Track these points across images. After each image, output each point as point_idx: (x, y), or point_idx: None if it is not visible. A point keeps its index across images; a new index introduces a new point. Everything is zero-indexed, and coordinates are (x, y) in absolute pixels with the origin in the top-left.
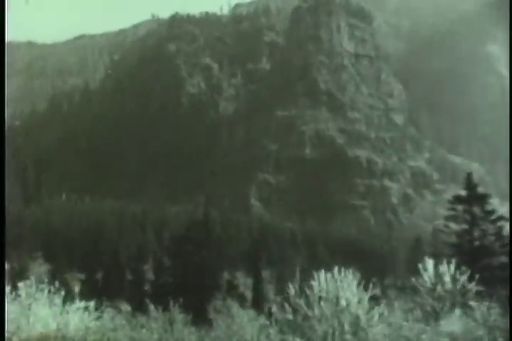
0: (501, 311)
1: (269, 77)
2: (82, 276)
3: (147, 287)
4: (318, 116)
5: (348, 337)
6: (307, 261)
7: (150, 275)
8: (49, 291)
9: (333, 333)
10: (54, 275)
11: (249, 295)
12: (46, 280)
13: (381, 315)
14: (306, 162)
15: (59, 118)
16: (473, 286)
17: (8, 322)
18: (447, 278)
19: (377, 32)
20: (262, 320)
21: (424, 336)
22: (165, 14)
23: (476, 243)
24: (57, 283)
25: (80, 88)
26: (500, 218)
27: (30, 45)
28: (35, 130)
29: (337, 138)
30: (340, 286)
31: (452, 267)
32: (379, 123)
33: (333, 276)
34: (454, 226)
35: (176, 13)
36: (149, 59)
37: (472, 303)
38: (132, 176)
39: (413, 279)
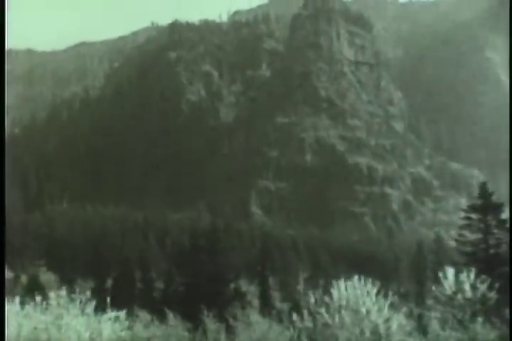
0: None
1: (269, 84)
2: (92, 284)
3: (158, 295)
4: (319, 123)
5: None
6: (310, 268)
7: (159, 284)
8: (80, 301)
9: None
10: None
11: (256, 302)
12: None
13: (400, 323)
14: (306, 169)
15: (59, 126)
16: (493, 295)
17: (39, 332)
18: (467, 287)
19: (377, 39)
20: (281, 327)
21: None
22: (164, 21)
23: (491, 251)
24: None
25: (79, 95)
26: None
27: (29, 52)
28: (35, 137)
29: (337, 145)
30: (360, 294)
31: (472, 275)
32: (379, 130)
33: (352, 284)
34: (469, 235)
35: (176, 21)
36: (149, 66)
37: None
38: (133, 183)
39: (433, 287)
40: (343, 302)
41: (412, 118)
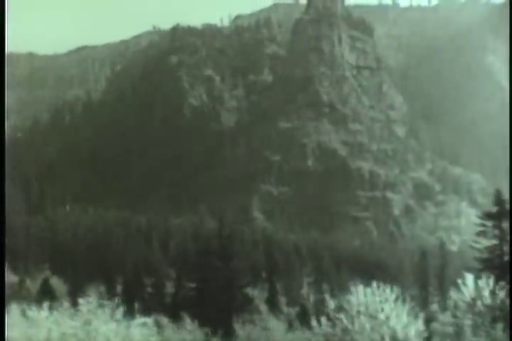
0: None
1: (271, 89)
2: (102, 288)
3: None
4: (320, 127)
5: None
6: (313, 272)
7: (170, 289)
8: (110, 307)
9: None
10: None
11: (264, 308)
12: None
13: (418, 329)
14: (308, 174)
15: (61, 130)
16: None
17: (68, 336)
18: (486, 293)
19: (378, 44)
20: (300, 332)
21: None
22: (165, 25)
23: (506, 258)
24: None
25: (81, 99)
26: None
27: (31, 56)
28: (37, 141)
29: (339, 150)
30: (379, 301)
31: (491, 282)
32: (381, 135)
33: (371, 291)
34: (484, 241)
35: (178, 25)
36: (151, 70)
37: None
38: (135, 187)
39: (452, 294)
40: (362, 308)
41: (413, 122)
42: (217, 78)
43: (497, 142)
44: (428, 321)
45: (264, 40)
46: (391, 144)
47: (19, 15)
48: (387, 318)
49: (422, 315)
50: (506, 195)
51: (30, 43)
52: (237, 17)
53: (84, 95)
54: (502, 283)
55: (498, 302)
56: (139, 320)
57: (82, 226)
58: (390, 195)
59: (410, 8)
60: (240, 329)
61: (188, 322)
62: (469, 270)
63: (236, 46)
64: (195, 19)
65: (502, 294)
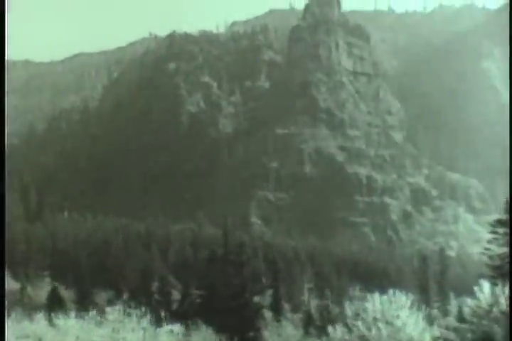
0: None
1: (268, 95)
2: (111, 295)
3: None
4: (318, 133)
5: None
6: (313, 278)
7: (176, 296)
8: (136, 315)
9: None
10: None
11: (268, 314)
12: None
13: (433, 335)
14: (305, 179)
15: (58, 137)
16: None
17: None
18: (502, 300)
19: (374, 50)
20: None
21: None
22: (161, 32)
23: None
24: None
25: (78, 106)
26: None
27: (27, 63)
28: (34, 148)
29: (337, 156)
30: (395, 308)
31: (507, 289)
32: (378, 140)
33: (387, 298)
34: (495, 248)
35: (174, 32)
36: (149, 77)
37: None
38: (132, 194)
39: (469, 300)
40: (378, 315)
41: (410, 128)
42: (215, 85)
43: (494, 147)
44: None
45: (260, 47)
46: (388, 149)
47: (16, 23)
48: (404, 325)
49: (437, 322)
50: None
51: (27, 50)
52: (233, 23)
53: (81, 102)
54: None
55: None
56: (166, 327)
57: (82, 234)
58: (387, 200)
59: (406, 14)
60: (257, 336)
61: (204, 330)
62: (481, 276)
63: (233, 53)
64: (191, 26)
65: None
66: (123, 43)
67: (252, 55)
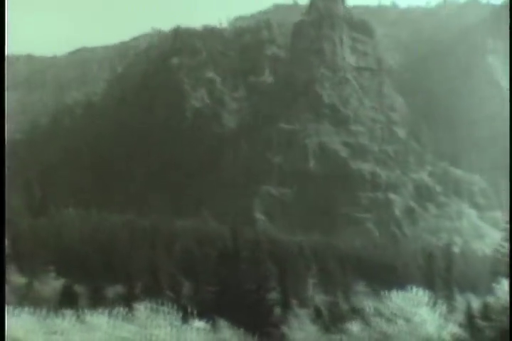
0: None
1: (272, 91)
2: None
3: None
4: (322, 129)
5: None
6: (318, 274)
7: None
8: (164, 312)
9: None
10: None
11: (277, 310)
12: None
13: (451, 332)
14: (309, 175)
15: (61, 132)
16: None
17: (123, 340)
18: None
19: (378, 45)
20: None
21: None
22: (164, 26)
23: None
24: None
25: (81, 101)
26: None
27: (29, 58)
28: (37, 144)
29: (340, 152)
30: (414, 304)
31: None
32: (382, 136)
33: (406, 295)
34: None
35: (178, 27)
36: (152, 73)
37: None
38: (136, 190)
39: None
40: (397, 312)
41: (413, 124)
42: (219, 80)
43: (497, 143)
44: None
45: (264, 42)
46: (392, 145)
47: (18, 17)
48: (422, 321)
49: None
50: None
51: (29, 45)
52: (237, 18)
53: (84, 97)
54: None
55: None
56: (197, 324)
57: (88, 229)
58: (391, 196)
59: (410, 9)
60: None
61: (223, 325)
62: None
63: (237, 48)
64: (194, 20)
65: None
66: (126, 38)
67: (256, 50)
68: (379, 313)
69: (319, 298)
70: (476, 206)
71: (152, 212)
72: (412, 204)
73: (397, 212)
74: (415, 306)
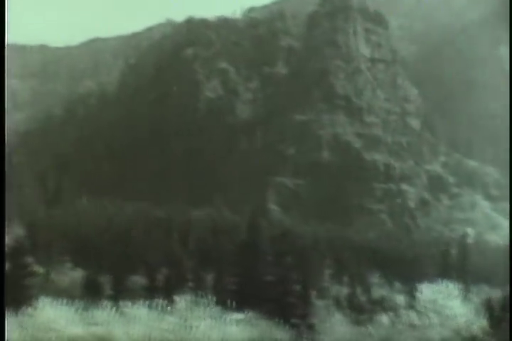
0: None
1: (286, 82)
2: (144, 281)
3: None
4: (336, 120)
5: None
6: (333, 265)
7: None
8: (204, 304)
9: None
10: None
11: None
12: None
13: (481, 325)
14: (323, 166)
15: (75, 122)
16: None
17: (164, 332)
18: None
19: (392, 36)
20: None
21: None
22: (177, 17)
23: None
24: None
25: (95, 92)
26: None
27: (43, 48)
28: (52, 133)
29: (354, 143)
30: (445, 297)
31: None
32: (396, 127)
33: (437, 288)
34: None
35: (191, 17)
36: (166, 63)
37: None
38: (150, 180)
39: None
40: (429, 305)
41: (427, 115)
42: (232, 70)
43: (509, 134)
44: None
45: (278, 33)
46: (406, 137)
47: (31, 7)
48: (453, 315)
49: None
50: None
51: (43, 35)
52: (250, 9)
53: (98, 88)
54: None
55: None
56: (236, 315)
57: (103, 218)
58: (405, 187)
59: None
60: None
61: (251, 316)
62: None
63: (250, 39)
64: (207, 11)
65: None
66: (139, 28)
67: (270, 41)
68: (409, 305)
69: (335, 289)
70: (489, 197)
71: (167, 201)
72: (426, 195)
73: (411, 203)
74: (447, 299)
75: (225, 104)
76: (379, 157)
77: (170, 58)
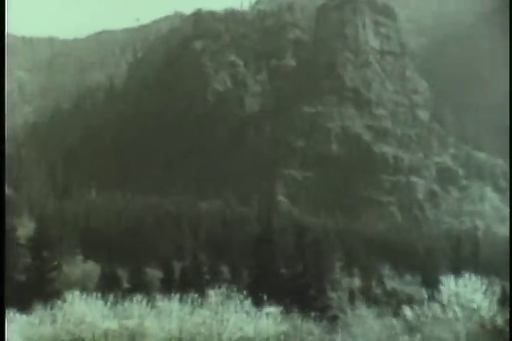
0: None
1: (295, 74)
2: (161, 274)
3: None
4: (345, 112)
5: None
6: (344, 257)
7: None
8: (238, 298)
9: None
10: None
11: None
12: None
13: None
14: (332, 158)
15: (83, 115)
16: None
17: (200, 326)
18: None
19: (401, 28)
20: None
21: None
22: (184, 9)
23: None
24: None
25: (103, 84)
26: None
27: (51, 40)
28: (60, 126)
29: (363, 135)
30: (470, 291)
31: None
32: (404, 119)
33: (462, 281)
34: None
35: (199, 10)
36: (174, 56)
37: None
38: (159, 173)
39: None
40: (453, 298)
41: (436, 107)
42: (241, 63)
43: None
44: None
45: (287, 25)
46: (415, 129)
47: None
48: (478, 308)
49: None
50: None
51: (51, 28)
52: (258, 1)
53: (106, 81)
54: None
55: None
56: (268, 309)
57: (113, 211)
58: (414, 179)
59: None
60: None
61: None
62: None
63: (259, 31)
64: (214, 2)
65: None
66: (147, 21)
67: (278, 33)
68: (433, 299)
69: (346, 281)
70: (498, 189)
71: (175, 194)
72: (435, 187)
73: (420, 195)
74: (472, 293)
75: (234, 96)
76: (388, 149)
77: (178, 51)
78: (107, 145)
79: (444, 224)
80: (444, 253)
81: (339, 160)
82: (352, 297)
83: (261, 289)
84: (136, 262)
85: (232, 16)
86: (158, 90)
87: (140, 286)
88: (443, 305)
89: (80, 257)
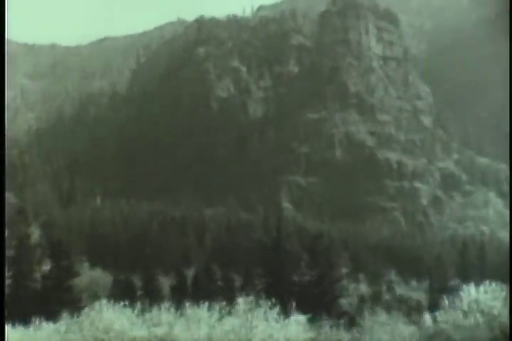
0: None
1: (298, 80)
2: (173, 281)
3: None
4: (348, 118)
5: None
6: (350, 263)
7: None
8: (267, 306)
9: None
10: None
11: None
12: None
13: None
14: (336, 164)
15: (87, 122)
16: None
17: (225, 333)
18: None
19: (404, 34)
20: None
21: None
22: (186, 16)
23: None
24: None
25: (106, 91)
26: None
27: (53, 47)
28: (63, 133)
29: (367, 141)
30: (490, 298)
31: None
32: (408, 125)
33: (484, 288)
34: None
35: (202, 16)
36: (178, 62)
37: None
38: (162, 180)
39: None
40: (474, 306)
41: (439, 113)
42: (244, 69)
43: None
44: None
45: (289, 31)
46: (418, 134)
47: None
48: (499, 314)
49: None
50: None
51: (53, 34)
52: (260, 8)
53: (109, 87)
54: None
55: None
56: (296, 317)
57: (118, 218)
58: (417, 185)
59: None
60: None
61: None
62: None
63: (262, 37)
64: (216, 9)
65: None
66: (149, 27)
67: (281, 39)
68: (453, 306)
69: (353, 288)
70: (502, 194)
71: (180, 201)
72: (439, 193)
73: (424, 200)
74: (492, 300)
75: (237, 102)
76: (391, 155)
77: (181, 58)
78: (110, 152)
79: (449, 229)
80: (451, 259)
81: (343, 166)
82: (362, 303)
83: (280, 296)
84: (145, 269)
85: (234, 23)
86: (161, 97)
87: (153, 293)
88: (464, 312)
89: (86, 264)
